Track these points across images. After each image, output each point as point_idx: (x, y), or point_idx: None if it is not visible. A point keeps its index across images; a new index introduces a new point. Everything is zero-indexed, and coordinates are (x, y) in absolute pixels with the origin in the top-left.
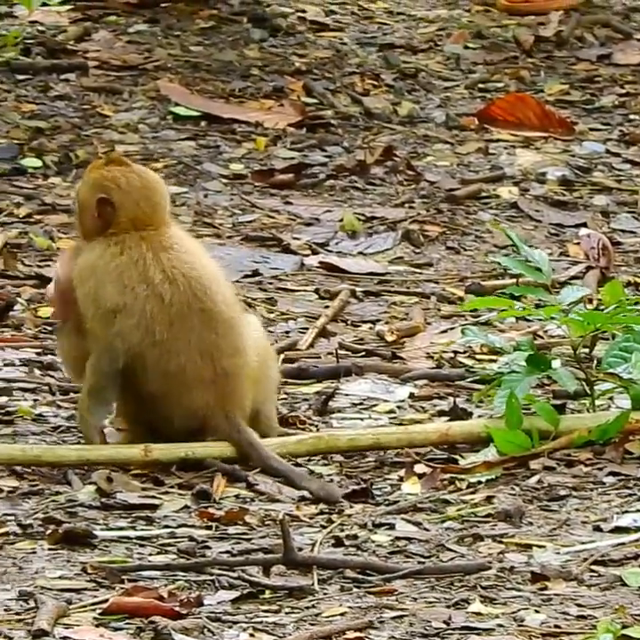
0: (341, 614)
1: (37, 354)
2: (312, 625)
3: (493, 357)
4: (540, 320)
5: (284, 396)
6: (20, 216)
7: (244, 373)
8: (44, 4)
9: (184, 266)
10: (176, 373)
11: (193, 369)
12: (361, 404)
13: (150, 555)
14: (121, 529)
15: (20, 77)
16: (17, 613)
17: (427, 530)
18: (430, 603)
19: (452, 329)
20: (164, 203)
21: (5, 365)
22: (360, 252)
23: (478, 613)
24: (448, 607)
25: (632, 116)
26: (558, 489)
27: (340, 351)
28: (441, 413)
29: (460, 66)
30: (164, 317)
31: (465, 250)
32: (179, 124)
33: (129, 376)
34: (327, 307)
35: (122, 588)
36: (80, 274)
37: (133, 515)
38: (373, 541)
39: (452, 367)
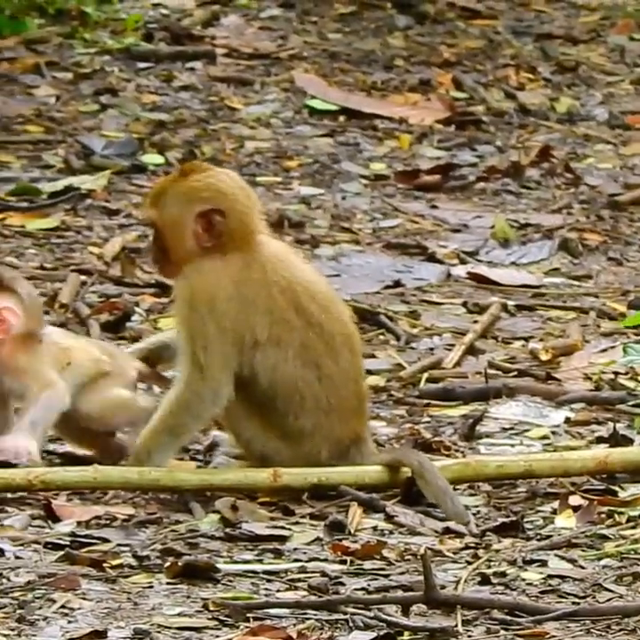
0: None
1: None
2: None
3: None
4: None
5: (428, 418)
6: (140, 217)
7: None
8: None
9: (322, 287)
10: (335, 407)
11: (347, 399)
12: (512, 428)
13: (278, 591)
14: (246, 562)
15: (141, 65)
16: None
17: (582, 567)
18: None
19: (612, 347)
20: (259, 208)
21: None
22: (513, 262)
23: None
24: None
25: None
26: None
27: (489, 370)
28: (599, 440)
29: (624, 59)
30: (325, 349)
31: (628, 261)
32: (315, 119)
33: (267, 412)
34: (476, 321)
35: (247, 627)
36: (197, 296)
37: (260, 547)
38: (523, 579)
39: (613, 389)
